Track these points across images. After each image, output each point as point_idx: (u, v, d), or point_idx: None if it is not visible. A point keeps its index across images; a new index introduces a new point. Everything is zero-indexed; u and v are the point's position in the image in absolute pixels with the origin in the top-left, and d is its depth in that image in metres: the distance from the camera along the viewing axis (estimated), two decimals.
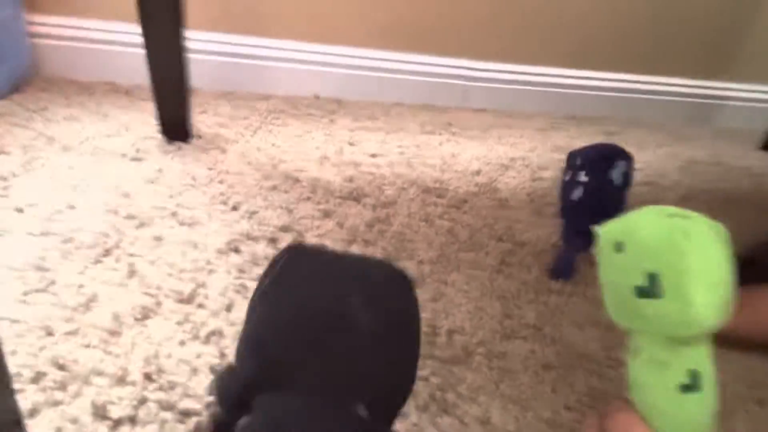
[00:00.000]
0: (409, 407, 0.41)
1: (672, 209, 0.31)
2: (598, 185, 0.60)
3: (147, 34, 0.73)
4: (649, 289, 0.29)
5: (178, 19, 0.73)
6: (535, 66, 1.16)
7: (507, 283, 0.58)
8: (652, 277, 0.29)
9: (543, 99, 1.18)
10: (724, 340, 0.52)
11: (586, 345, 0.50)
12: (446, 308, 0.52)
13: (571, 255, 0.60)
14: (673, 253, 0.28)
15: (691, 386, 0.30)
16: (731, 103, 1.30)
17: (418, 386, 0.43)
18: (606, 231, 0.33)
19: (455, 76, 1.12)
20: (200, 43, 0.99)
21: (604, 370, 0.48)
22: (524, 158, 0.91)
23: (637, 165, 0.98)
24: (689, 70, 1.25)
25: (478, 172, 0.83)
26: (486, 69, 1.13)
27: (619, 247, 0.32)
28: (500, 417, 0.41)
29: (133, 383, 0.39)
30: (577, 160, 0.65)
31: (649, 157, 1.02)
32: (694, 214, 0.31)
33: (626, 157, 0.63)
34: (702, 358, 0.30)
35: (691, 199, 0.87)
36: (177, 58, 0.75)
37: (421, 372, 0.44)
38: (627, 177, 0.62)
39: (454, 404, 0.42)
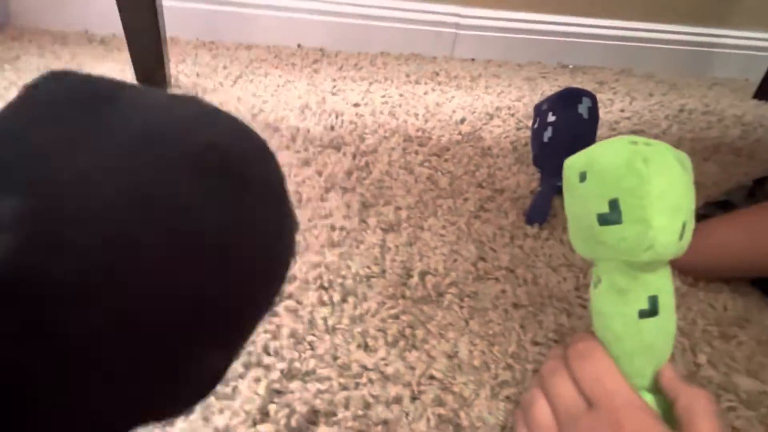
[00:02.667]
0: (378, 342, 0.42)
1: (636, 138, 0.31)
2: (567, 121, 0.61)
3: None
4: (610, 216, 0.29)
5: None
6: (526, 12, 1.12)
7: (484, 227, 0.58)
8: (613, 203, 0.29)
9: (534, 48, 1.15)
10: (689, 272, 0.53)
11: (558, 286, 0.51)
12: (421, 251, 0.53)
13: (546, 199, 0.60)
14: (632, 178, 0.28)
15: (649, 312, 0.30)
16: (726, 51, 1.26)
17: (388, 324, 0.43)
18: (570, 162, 0.33)
19: (444, 24, 1.09)
20: None
21: (574, 309, 0.48)
22: (510, 107, 0.90)
23: (627, 114, 0.98)
24: (684, 16, 1.21)
25: (462, 121, 0.82)
26: (476, 16, 1.10)
27: (582, 177, 0.31)
28: (467, 351, 0.42)
29: None
30: (543, 105, 0.66)
31: (639, 107, 1.00)
32: (658, 142, 0.30)
33: (590, 95, 0.64)
34: (661, 285, 0.31)
35: (679, 147, 0.86)
36: (149, 4, 0.73)
37: (391, 311, 0.45)
38: (594, 113, 0.64)
39: (423, 339, 0.43)
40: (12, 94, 0.63)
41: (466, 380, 0.40)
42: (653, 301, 0.30)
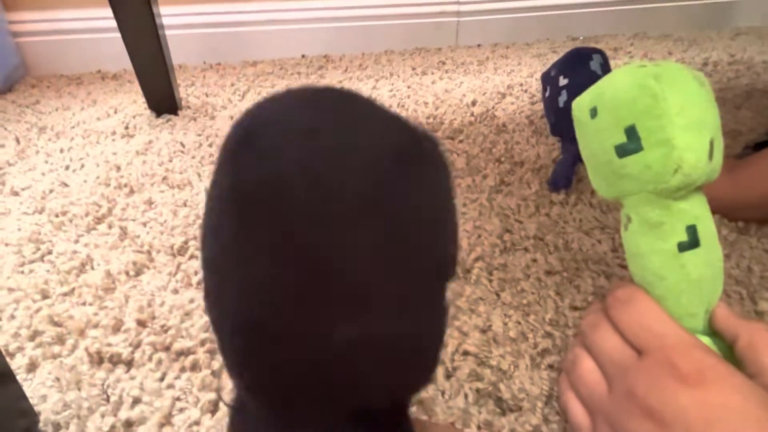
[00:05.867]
0: None
1: (644, 61, 0.28)
2: (581, 80, 0.58)
3: (118, 15, 0.72)
4: (629, 145, 0.27)
5: None
6: None
7: (506, 200, 0.55)
8: (630, 131, 0.27)
9: (541, 25, 1.12)
10: (737, 216, 0.49)
11: (592, 248, 0.48)
12: None
13: (569, 164, 0.57)
14: (645, 98, 0.26)
15: (689, 243, 0.27)
16: None
17: None
18: (578, 102, 0.31)
19: (444, 14, 1.08)
20: (180, 17, 0.97)
21: (613, 270, 0.45)
22: (523, 84, 0.87)
23: None
24: None
25: (473, 103, 0.80)
26: (476, 1, 1.08)
27: (593, 112, 0.29)
28: (501, 323, 0.39)
29: (127, 331, 0.39)
30: (551, 72, 0.63)
31: None
32: (669, 61, 0.28)
33: (598, 51, 0.61)
34: (698, 213, 0.28)
35: None
36: (152, 34, 0.74)
37: None
38: (608, 68, 0.61)
39: (453, 316, 0.40)
40: (33, 134, 0.65)
41: (503, 352, 0.37)
42: (692, 231, 0.27)
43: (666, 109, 0.25)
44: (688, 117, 0.25)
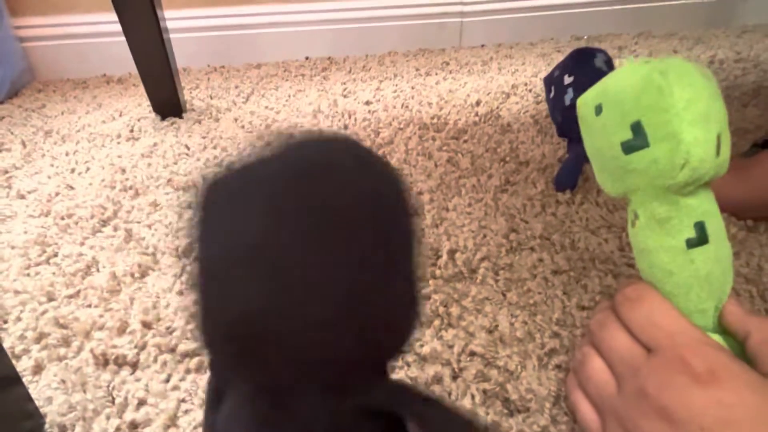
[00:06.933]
0: None
1: (648, 58, 0.28)
2: (587, 77, 0.58)
3: (123, 19, 0.72)
4: (635, 141, 0.27)
5: (152, 1, 0.71)
6: None
7: (512, 200, 0.55)
8: (636, 127, 0.26)
9: (545, 25, 1.12)
10: (746, 214, 0.49)
11: (599, 248, 0.47)
12: (448, 231, 0.50)
13: (576, 164, 0.56)
14: (651, 94, 0.26)
15: (697, 240, 0.27)
16: None
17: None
18: (583, 99, 0.31)
19: (448, 15, 1.08)
20: (185, 21, 0.98)
21: (620, 269, 0.45)
22: (527, 83, 0.87)
23: None
24: None
25: (477, 103, 0.80)
26: (480, 1, 1.08)
27: (598, 109, 0.29)
28: (507, 324, 0.39)
29: (133, 332, 0.39)
30: (555, 72, 0.63)
31: None
32: (673, 57, 0.27)
33: (601, 50, 0.62)
34: (706, 209, 0.27)
35: None
36: (157, 38, 0.74)
37: (422, 292, 0.42)
38: (612, 65, 0.61)
39: (459, 317, 0.40)
40: (39, 138, 0.65)
41: (509, 353, 0.37)
42: (700, 227, 0.27)
43: (672, 104, 0.25)
44: (695, 111, 0.25)
